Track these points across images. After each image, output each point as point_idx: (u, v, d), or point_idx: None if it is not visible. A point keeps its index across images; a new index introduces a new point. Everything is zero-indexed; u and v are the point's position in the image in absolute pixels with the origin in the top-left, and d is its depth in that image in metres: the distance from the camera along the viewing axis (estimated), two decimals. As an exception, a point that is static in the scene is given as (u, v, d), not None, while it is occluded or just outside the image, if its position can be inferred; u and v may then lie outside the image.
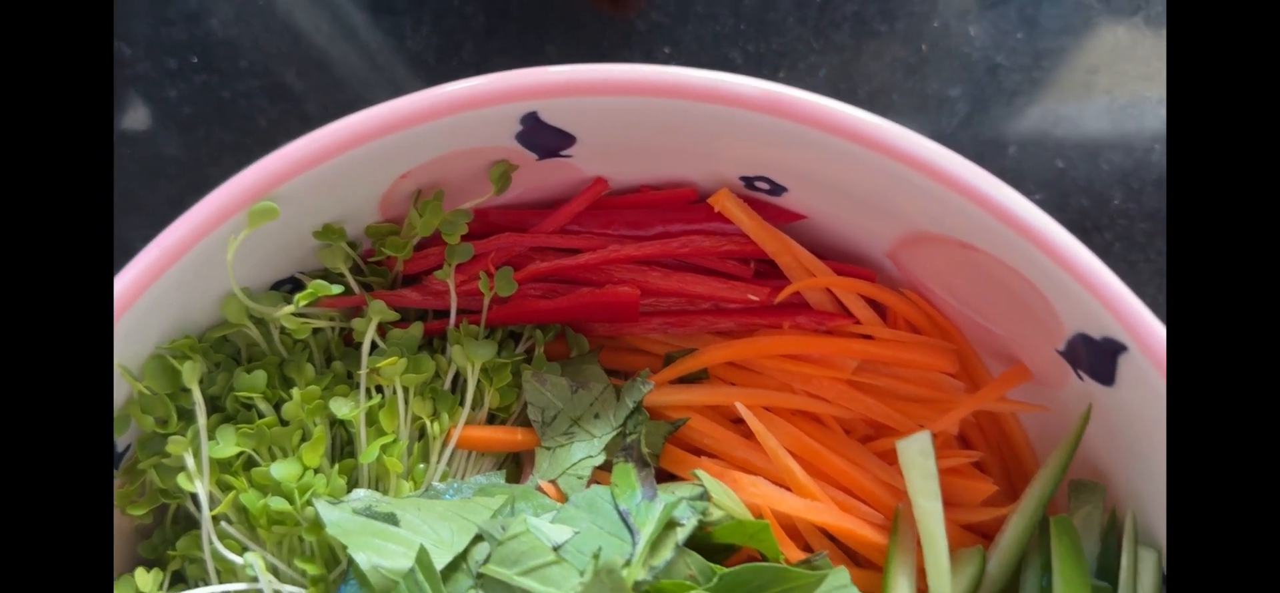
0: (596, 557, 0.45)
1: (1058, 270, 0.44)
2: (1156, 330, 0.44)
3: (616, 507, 0.49)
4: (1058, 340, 0.50)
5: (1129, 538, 0.51)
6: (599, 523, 0.48)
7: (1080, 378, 0.51)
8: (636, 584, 0.46)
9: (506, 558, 0.47)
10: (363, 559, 0.47)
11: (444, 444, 0.54)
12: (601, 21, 0.68)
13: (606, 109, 0.46)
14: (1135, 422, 0.49)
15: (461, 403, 0.54)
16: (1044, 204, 0.63)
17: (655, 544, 0.48)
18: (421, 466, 0.54)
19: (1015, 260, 0.46)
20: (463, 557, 0.49)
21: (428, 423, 0.53)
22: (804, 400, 0.56)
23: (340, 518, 0.49)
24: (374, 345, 0.53)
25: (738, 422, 0.55)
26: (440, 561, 0.48)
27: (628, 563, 0.46)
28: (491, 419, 0.56)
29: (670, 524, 0.48)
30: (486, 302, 0.54)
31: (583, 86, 0.44)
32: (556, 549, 0.47)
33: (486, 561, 0.48)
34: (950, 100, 0.66)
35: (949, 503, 0.56)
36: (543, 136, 0.48)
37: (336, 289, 0.50)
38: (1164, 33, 0.68)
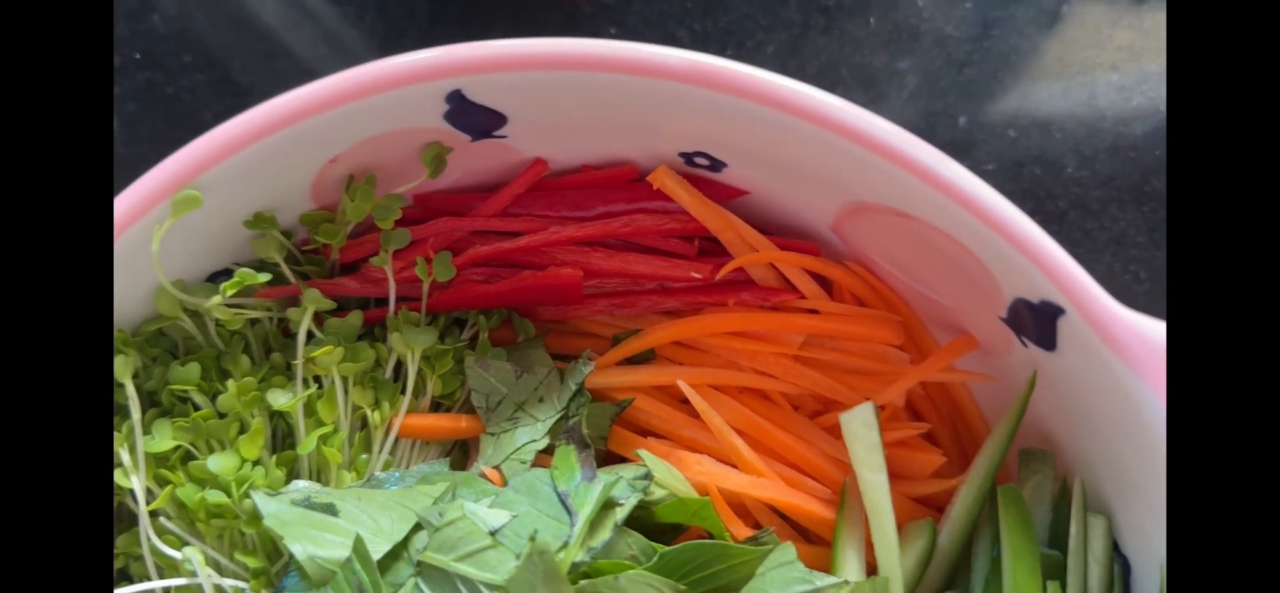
0: (532, 539, 0.45)
1: (991, 234, 0.44)
2: (1093, 292, 0.43)
3: (556, 489, 0.48)
4: (999, 307, 0.49)
5: (1077, 505, 0.50)
6: (537, 506, 0.48)
7: (1025, 345, 0.50)
8: (574, 565, 0.46)
9: (443, 544, 0.47)
10: (299, 550, 0.47)
11: (386, 434, 0.53)
12: (547, 5, 0.68)
13: (534, 85, 0.46)
14: (1080, 386, 0.48)
15: (403, 391, 0.53)
16: (996, 175, 0.63)
17: (594, 525, 0.47)
18: (364, 456, 0.53)
19: (949, 227, 0.46)
20: (403, 545, 0.48)
21: (369, 413, 0.53)
22: (751, 377, 0.55)
23: (278, 509, 0.48)
24: (312, 335, 0.53)
25: (686, 402, 0.55)
26: (379, 550, 0.47)
27: (565, 544, 0.46)
28: (436, 407, 0.55)
29: (609, 504, 0.48)
30: (425, 287, 0.54)
31: (505, 62, 0.43)
32: (493, 534, 0.46)
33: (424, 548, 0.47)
34: (899, 73, 0.66)
35: (899, 477, 0.55)
36: (472, 116, 0.48)
37: (263, 278, 0.49)
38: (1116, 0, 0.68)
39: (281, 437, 0.54)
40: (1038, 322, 0.47)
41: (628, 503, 0.48)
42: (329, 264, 0.55)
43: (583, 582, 0.44)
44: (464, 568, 0.46)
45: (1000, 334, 0.51)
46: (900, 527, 0.53)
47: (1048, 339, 0.47)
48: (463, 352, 0.55)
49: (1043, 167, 0.65)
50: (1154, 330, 0.43)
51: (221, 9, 0.69)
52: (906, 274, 0.54)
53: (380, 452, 0.53)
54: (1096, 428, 0.49)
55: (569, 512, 0.47)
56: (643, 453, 0.51)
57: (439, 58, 0.43)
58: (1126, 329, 0.43)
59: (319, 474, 0.53)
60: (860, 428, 0.51)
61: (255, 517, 0.49)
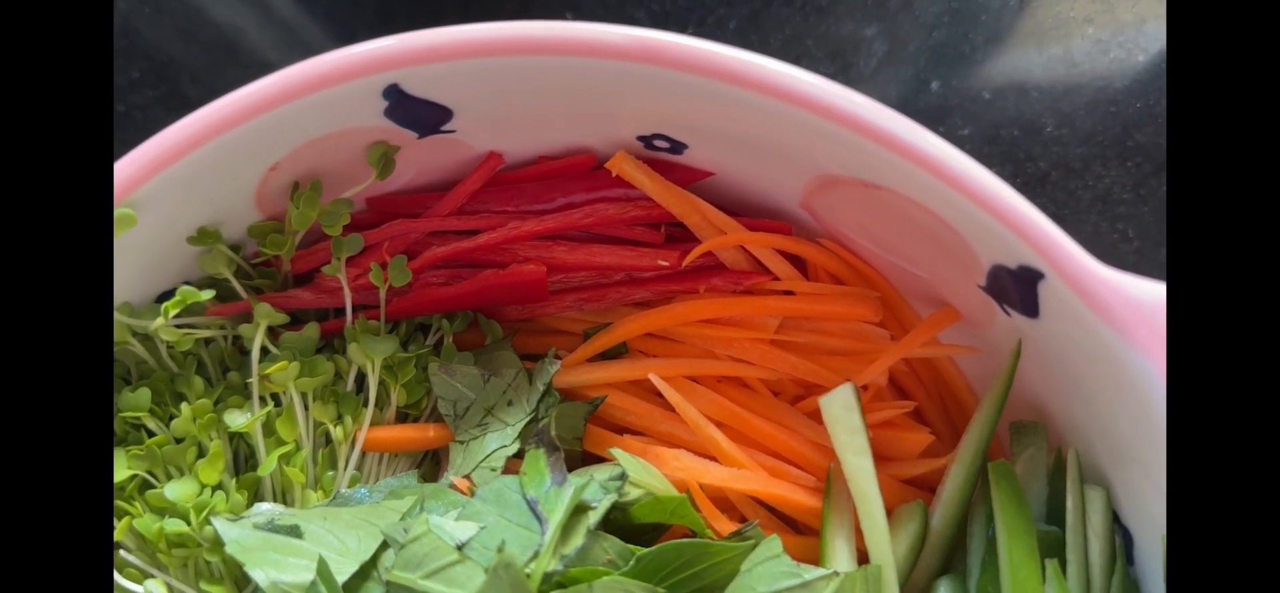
0: (499, 551, 0.42)
1: (960, 199, 0.41)
2: (1072, 253, 0.41)
3: (525, 496, 0.46)
4: (977, 275, 0.47)
5: (1073, 477, 0.48)
6: (506, 515, 0.46)
7: (1007, 313, 0.48)
8: (546, 576, 0.43)
9: (409, 562, 0.44)
10: (261, 576, 0.45)
11: (350, 449, 0.51)
12: (500, -5, 0.65)
13: (475, 75, 0.44)
14: (1066, 352, 0.46)
15: (365, 404, 0.51)
16: (972, 140, 0.60)
17: (566, 531, 0.45)
18: (330, 473, 0.51)
19: (919, 195, 0.43)
20: (371, 564, 0.46)
21: (331, 428, 0.51)
22: (727, 366, 0.53)
23: (240, 535, 0.46)
24: (267, 352, 0.51)
25: (662, 396, 0.53)
26: (345, 570, 0.45)
27: (535, 555, 0.44)
28: (403, 418, 0.53)
29: (582, 508, 0.45)
30: (383, 294, 0.52)
31: (440, 52, 0.41)
32: (460, 548, 0.44)
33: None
34: (866, 40, 0.63)
35: (887, 458, 0.53)
36: (414, 111, 0.45)
37: (207, 295, 0.47)
38: (1089, -49, 0.65)
39: (242, 459, 0.52)
40: (1018, 288, 0.45)
41: (601, 506, 0.46)
42: (281, 277, 0.53)
43: (551, 582, 0.42)
44: (431, 585, 0.44)
45: (982, 304, 0.49)
46: (891, 511, 0.51)
47: (1030, 306, 0.45)
48: (427, 358, 0.53)
49: (1021, 128, 0.63)
50: (1141, 291, 0.41)
51: (163, 23, 0.66)
52: (882, 248, 0.52)
53: (346, 468, 0.51)
54: (1088, 396, 0.47)
55: (539, 519, 0.45)
56: (616, 452, 0.49)
57: (368, 52, 0.40)
58: (1112, 291, 0.41)
59: (283, 495, 0.51)
60: (841, 411, 0.49)
61: (218, 544, 0.48)
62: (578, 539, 0.45)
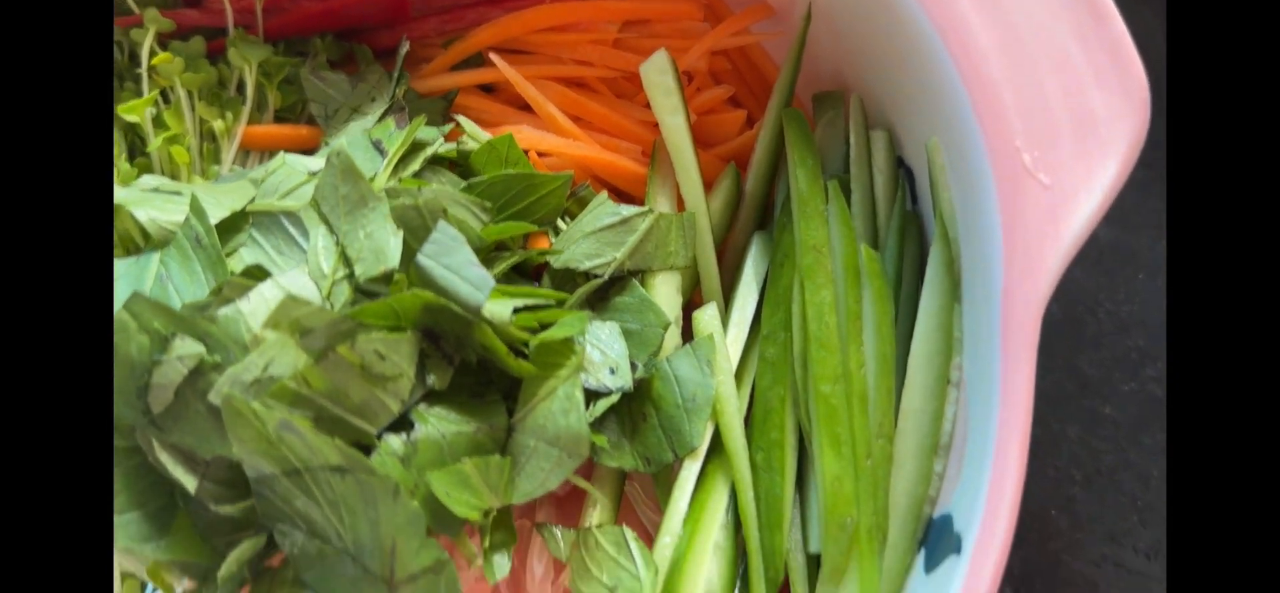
0: (335, 150, 0.49)
1: None
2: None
3: (371, 141, 0.53)
4: (768, -58, 0.53)
5: (855, 120, 0.54)
6: (354, 153, 0.52)
7: (797, -18, 0.54)
8: (385, 190, 0.50)
9: (268, 191, 0.51)
10: (143, 215, 0.51)
11: (231, 143, 0.58)
12: None
13: None
14: (847, 7, 0.53)
15: (243, 102, 0.58)
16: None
17: (404, 160, 0.51)
18: (215, 167, 0.58)
19: None
20: (243, 214, 0.52)
21: (215, 125, 0.57)
22: (572, 69, 0.59)
23: (128, 194, 0.53)
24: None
25: (518, 105, 0.59)
26: (218, 215, 0.51)
27: (375, 176, 0.50)
28: (281, 122, 0.60)
29: (419, 145, 0.52)
30: (259, 7, 0.58)
31: None
32: (312, 174, 0.51)
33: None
34: None
35: (710, 143, 0.60)
36: None
37: None
38: None
39: (137, 152, 0.58)
40: (795, -62, 0.51)
41: (435, 144, 0.52)
42: (171, -2, 0.59)
43: (388, 187, 0.49)
44: (285, 204, 0.50)
45: (781, -17, 0.56)
46: (713, 184, 0.57)
47: (805, -45, 0.52)
48: (300, 66, 0.59)
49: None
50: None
51: None
52: (704, -45, 0.58)
53: (228, 162, 0.58)
54: (868, 49, 0.53)
55: (381, 153, 0.52)
56: (459, 118, 0.55)
57: None
58: (854, -94, 0.47)
59: (172, 178, 0.57)
60: (656, 75, 0.55)
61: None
62: (415, 166, 0.51)
